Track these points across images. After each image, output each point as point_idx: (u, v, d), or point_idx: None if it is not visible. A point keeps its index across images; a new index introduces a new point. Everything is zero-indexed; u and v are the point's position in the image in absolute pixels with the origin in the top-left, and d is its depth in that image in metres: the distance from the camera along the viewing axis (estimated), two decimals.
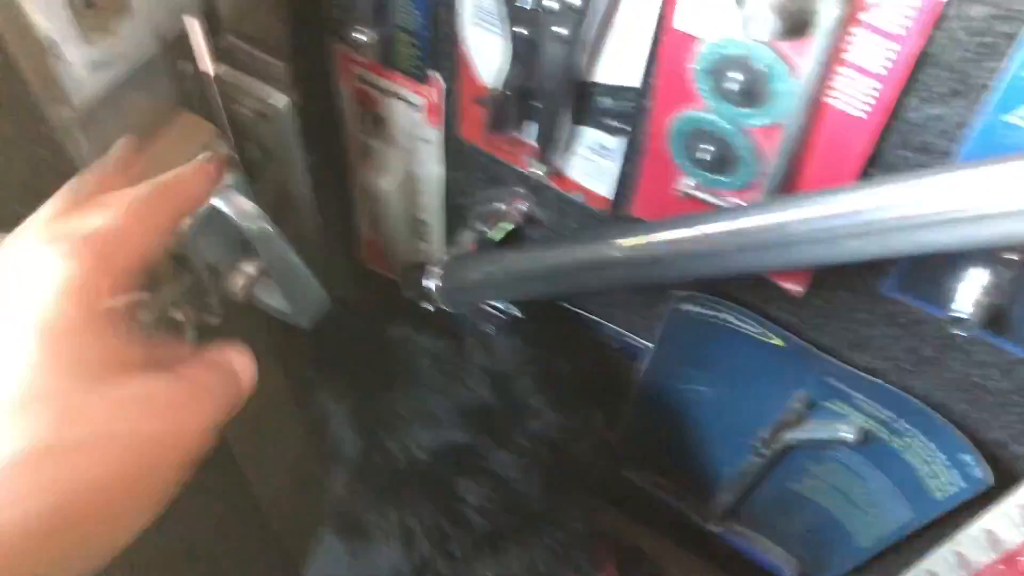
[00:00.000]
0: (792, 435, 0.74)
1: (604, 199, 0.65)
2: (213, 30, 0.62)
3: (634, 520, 1.02)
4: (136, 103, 0.60)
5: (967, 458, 0.63)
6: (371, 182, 0.77)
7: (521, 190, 0.71)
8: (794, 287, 0.61)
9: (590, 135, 0.62)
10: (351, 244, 0.89)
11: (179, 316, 0.67)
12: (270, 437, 1.01)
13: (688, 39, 0.51)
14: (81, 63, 0.53)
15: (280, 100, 0.63)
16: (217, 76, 0.63)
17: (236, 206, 0.59)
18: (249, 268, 0.70)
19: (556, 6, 0.52)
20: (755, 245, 0.48)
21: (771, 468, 0.80)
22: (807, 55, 0.47)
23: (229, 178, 0.64)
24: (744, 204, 0.56)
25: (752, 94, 0.51)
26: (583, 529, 0.70)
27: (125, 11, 0.54)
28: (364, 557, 0.69)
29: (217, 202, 0.59)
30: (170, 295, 0.66)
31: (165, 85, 0.62)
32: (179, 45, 0.61)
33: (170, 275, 0.66)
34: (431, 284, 0.71)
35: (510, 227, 0.73)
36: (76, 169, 0.58)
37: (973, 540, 0.69)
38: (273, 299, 0.70)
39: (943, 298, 0.53)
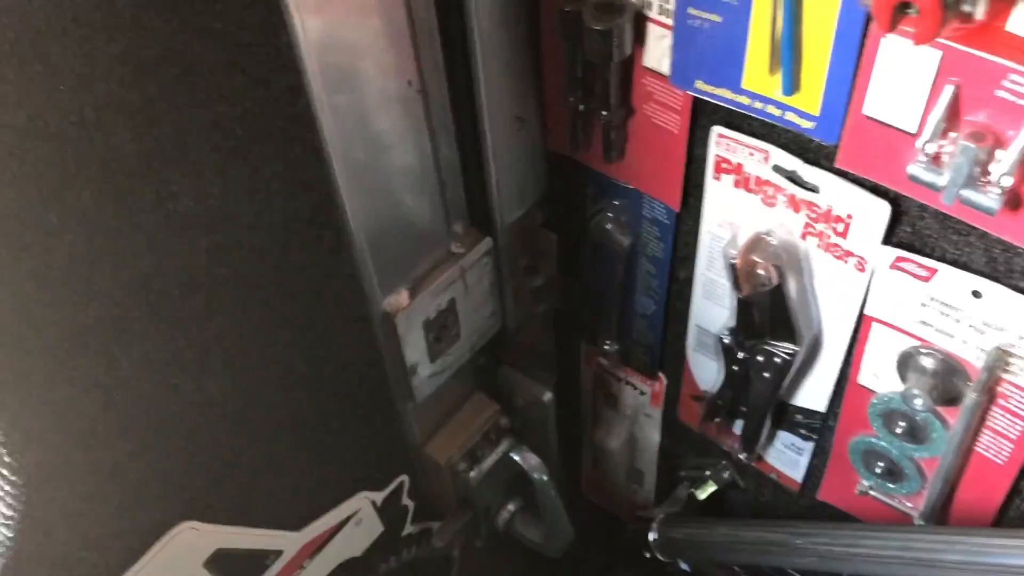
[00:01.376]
0: None
1: (795, 481, 0.83)
2: (503, 341, 0.87)
3: None
4: (448, 391, 0.84)
5: None
6: (600, 440, 0.98)
7: (725, 463, 0.89)
8: None
9: (785, 435, 0.80)
10: (575, 478, 1.10)
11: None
12: None
13: (866, 391, 0.69)
14: (426, 375, 0.78)
15: (546, 395, 0.86)
16: (503, 373, 0.87)
17: (527, 461, 0.81)
18: (511, 506, 0.91)
19: (761, 359, 0.72)
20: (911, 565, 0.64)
21: None
22: (957, 417, 0.64)
23: (507, 442, 0.86)
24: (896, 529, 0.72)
25: (915, 434, 0.68)
26: None
27: (457, 339, 0.79)
28: None
29: (515, 456, 0.82)
30: (455, 525, 0.88)
31: (467, 377, 0.86)
32: (481, 350, 0.85)
33: (457, 511, 0.88)
34: (652, 536, 0.89)
35: (714, 488, 0.91)
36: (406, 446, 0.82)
37: None
38: (528, 532, 0.91)
39: None
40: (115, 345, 0.53)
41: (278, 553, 0.73)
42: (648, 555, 0.90)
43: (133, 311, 0.53)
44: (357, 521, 0.80)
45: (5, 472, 0.50)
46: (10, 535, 0.52)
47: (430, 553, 0.91)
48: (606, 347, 0.87)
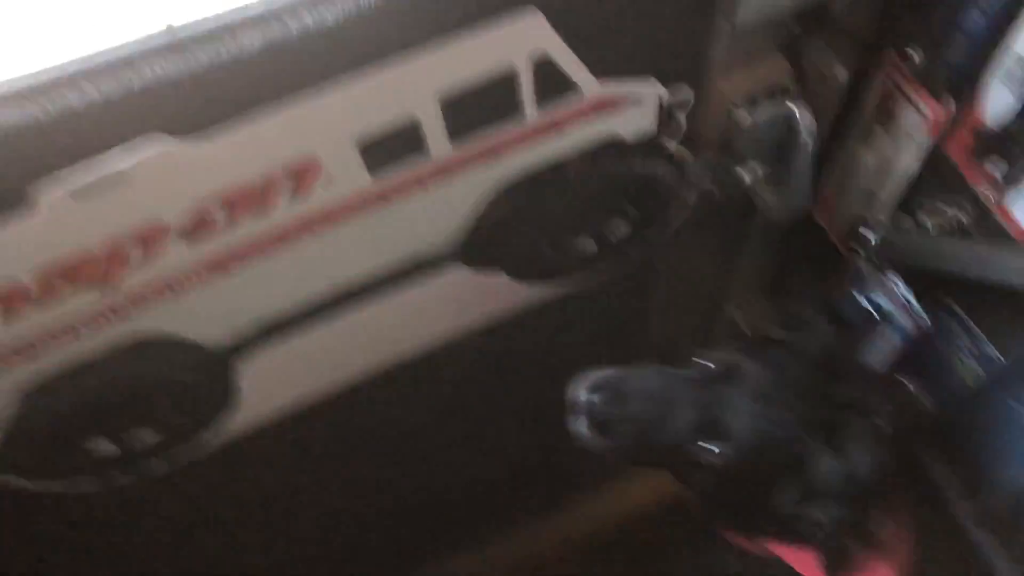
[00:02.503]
0: None
1: None
2: (823, 13, 0.93)
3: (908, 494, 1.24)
4: (758, 35, 0.93)
5: None
6: (859, 153, 1.05)
7: (968, 204, 0.95)
8: None
9: None
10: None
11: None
12: None
13: None
14: (754, 2, 0.86)
15: (842, 75, 0.94)
16: (810, 42, 0.95)
17: (803, 118, 0.91)
18: (758, 169, 1.02)
19: None
20: None
21: None
22: None
23: (792, 104, 0.95)
24: None
25: None
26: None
27: None
28: None
29: (794, 111, 0.91)
30: (707, 162, 1.01)
31: (778, 33, 0.95)
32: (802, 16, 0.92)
33: (715, 150, 1.00)
34: (868, 233, 0.98)
35: (944, 227, 0.98)
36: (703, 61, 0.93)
37: None
38: (766, 194, 1.02)
39: None
40: None
41: (577, 92, 0.87)
42: (855, 251, 1.00)
43: None
44: (640, 105, 0.92)
45: None
46: None
47: (675, 180, 1.04)
48: (912, 53, 0.92)
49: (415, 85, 0.79)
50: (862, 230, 1.00)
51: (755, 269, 1.33)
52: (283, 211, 0.82)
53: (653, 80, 0.91)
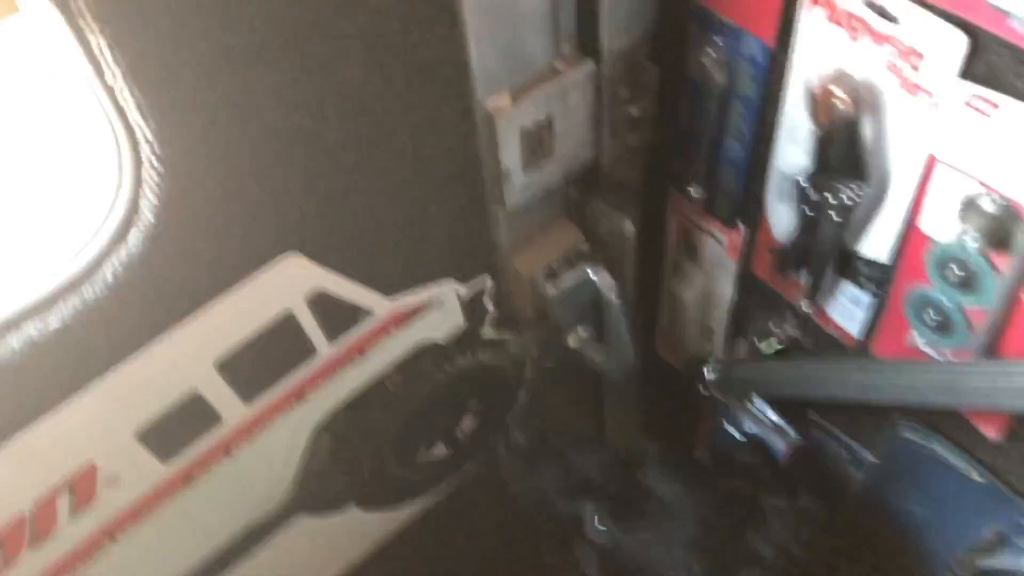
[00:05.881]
0: (984, 562, 0.88)
1: (852, 337, 0.87)
2: (594, 174, 0.93)
3: None
4: (538, 209, 0.92)
5: None
6: (677, 292, 1.04)
7: (790, 317, 0.94)
8: (991, 433, 0.78)
9: (849, 288, 0.84)
10: (651, 334, 1.16)
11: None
12: None
13: (926, 238, 0.73)
14: (519, 185, 0.85)
15: (629, 229, 0.92)
16: (591, 203, 0.94)
17: (602, 280, 0.88)
18: (582, 332, 0.99)
19: (833, 201, 0.76)
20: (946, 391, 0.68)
21: None
22: (1008, 263, 0.67)
23: (587, 267, 0.94)
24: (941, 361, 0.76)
25: (968, 283, 0.71)
26: None
27: (550, 157, 0.86)
28: None
29: (592, 274, 0.89)
30: (529, 338, 0.97)
31: (557, 201, 0.94)
32: (572, 179, 0.92)
33: (533, 325, 0.97)
34: (710, 374, 0.95)
35: (779, 347, 0.96)
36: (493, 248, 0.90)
37: None
38: (596, 354, 0.98)
39: None
40: (251, 70, 0.62)
41: (369, 313, 0.83)
42: (703, 391, 0.97)
43: (270, 43, 0.62)
44: (441, 306, 0.89)
45: (153, 162, 0.61)
46: (152, 218, 0.64)
47: (505, 363, 1.00)
48: (692, 193, 0.92)
49: (186, 357, 0.73)
50: (700, 368, 0.98)
51: (622, 420, 1.29)
52: (69, 530, 0.73)
53: (448, 280, 0.88)
